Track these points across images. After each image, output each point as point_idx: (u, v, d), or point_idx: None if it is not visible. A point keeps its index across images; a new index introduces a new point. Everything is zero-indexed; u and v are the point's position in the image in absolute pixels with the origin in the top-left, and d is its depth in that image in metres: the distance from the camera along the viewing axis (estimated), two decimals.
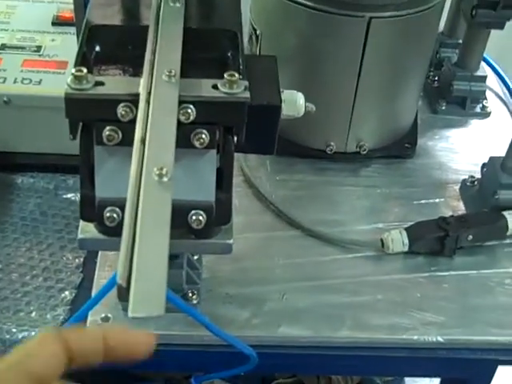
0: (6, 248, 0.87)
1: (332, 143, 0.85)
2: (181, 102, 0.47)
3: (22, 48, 0.99)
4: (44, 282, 0.81)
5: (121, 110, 0.47)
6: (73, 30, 0.96)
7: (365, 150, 0.85)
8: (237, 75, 0.49)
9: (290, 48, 0.80)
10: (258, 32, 0.83)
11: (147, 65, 0.49)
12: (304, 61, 0.80)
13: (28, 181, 0.94)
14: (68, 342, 0.36)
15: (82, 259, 0.83)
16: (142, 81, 0.48)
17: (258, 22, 0.83)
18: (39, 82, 0.94)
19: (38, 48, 0.99)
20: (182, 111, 0.47)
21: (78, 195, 0.57)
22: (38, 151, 0.95)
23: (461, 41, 0.98)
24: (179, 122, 0.47)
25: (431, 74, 1.01)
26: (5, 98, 0.91)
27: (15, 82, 0.93)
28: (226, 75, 0.49)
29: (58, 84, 1.00)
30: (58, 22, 1.04)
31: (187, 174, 0.51)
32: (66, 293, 0.79)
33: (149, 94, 0.47)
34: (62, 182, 0.94)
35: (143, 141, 0.43)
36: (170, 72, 0.48)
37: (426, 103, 0.99)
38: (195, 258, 0.69)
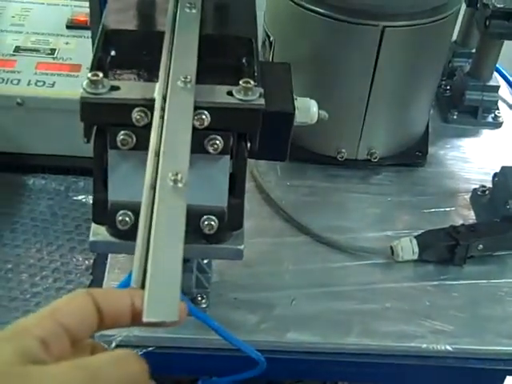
0: (16, 249, 0.87)
1: (343, 150, 0.85)
2: (195, 108, 0.47)
3: (36, 51, 1.00)
4: (54, 283, 0.82)
5: (136, 114, 0.47)
6: (87, 33, 0.97)
7: (376, 157, 0.85)
8: (252, 82, 0.49)
9: (303, 55, 0.80)
10: (271, 38, 0.83)
11: (163, 70, 0.50)
12: (317, 68, 0.80)
13: (39, 182, 0.94)
14: (97, 301, 0.37)
15: (91, 261, 0.84)
16: (158, 86, 0.48)
17: (271, 29, 0.84)
18: (53, 85, 0.94)
19: (52, 51, 1.00)
20: (196, 117, 0.48)
21: (89, 197, 0.57)
22: (49, 153, 0.96)
23: (474, 50, 0.98)
24: (193, 128, 0.47)
25: (443, 82, 1.01)
26: (18, 100, 0.92)
27: (29, 84, 0.94)
28: (241, 82, 0.49)
29: (71, 87, 1.01)
30: (73, 25, 1.05)
31: (200, 179, 0.51)
32: None
33: (164, 99, 0.47)
34: (73, 183, 0.95)
35: (158, 146, 0.43)
36: (186, 78, 0.48)
37: (438, 112, 0.99)
38: (205, 261, 0.69)
